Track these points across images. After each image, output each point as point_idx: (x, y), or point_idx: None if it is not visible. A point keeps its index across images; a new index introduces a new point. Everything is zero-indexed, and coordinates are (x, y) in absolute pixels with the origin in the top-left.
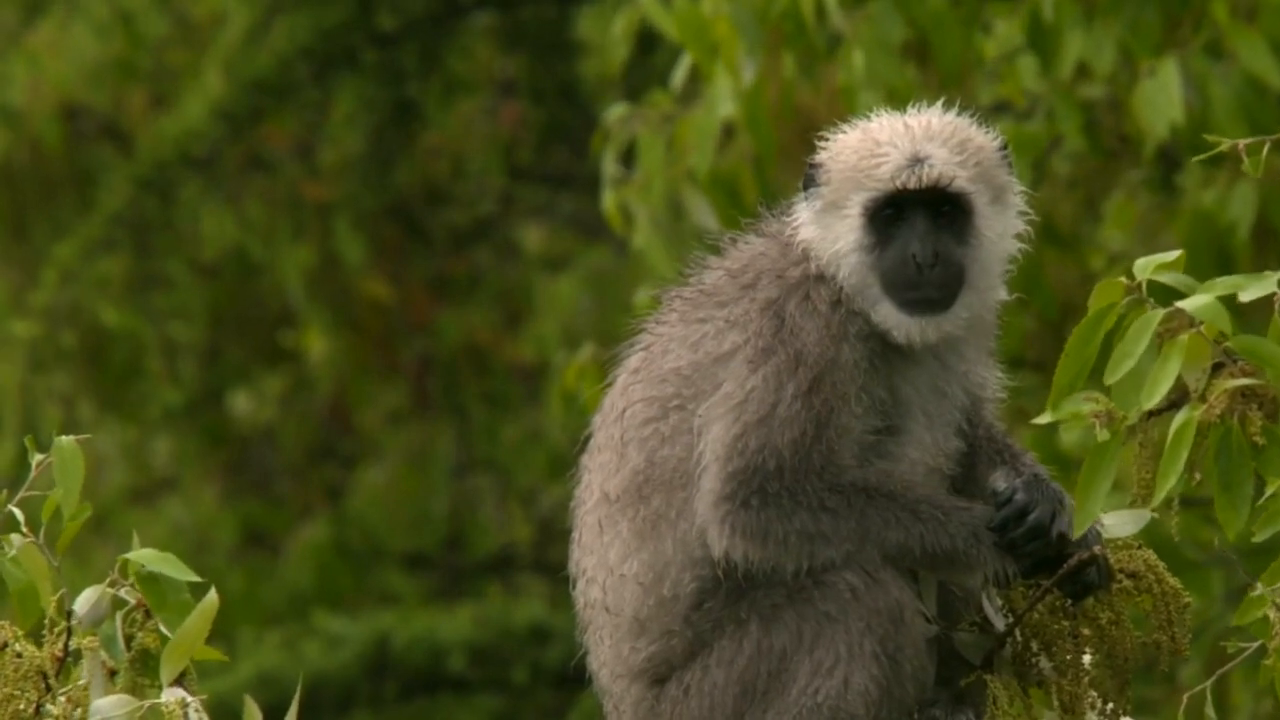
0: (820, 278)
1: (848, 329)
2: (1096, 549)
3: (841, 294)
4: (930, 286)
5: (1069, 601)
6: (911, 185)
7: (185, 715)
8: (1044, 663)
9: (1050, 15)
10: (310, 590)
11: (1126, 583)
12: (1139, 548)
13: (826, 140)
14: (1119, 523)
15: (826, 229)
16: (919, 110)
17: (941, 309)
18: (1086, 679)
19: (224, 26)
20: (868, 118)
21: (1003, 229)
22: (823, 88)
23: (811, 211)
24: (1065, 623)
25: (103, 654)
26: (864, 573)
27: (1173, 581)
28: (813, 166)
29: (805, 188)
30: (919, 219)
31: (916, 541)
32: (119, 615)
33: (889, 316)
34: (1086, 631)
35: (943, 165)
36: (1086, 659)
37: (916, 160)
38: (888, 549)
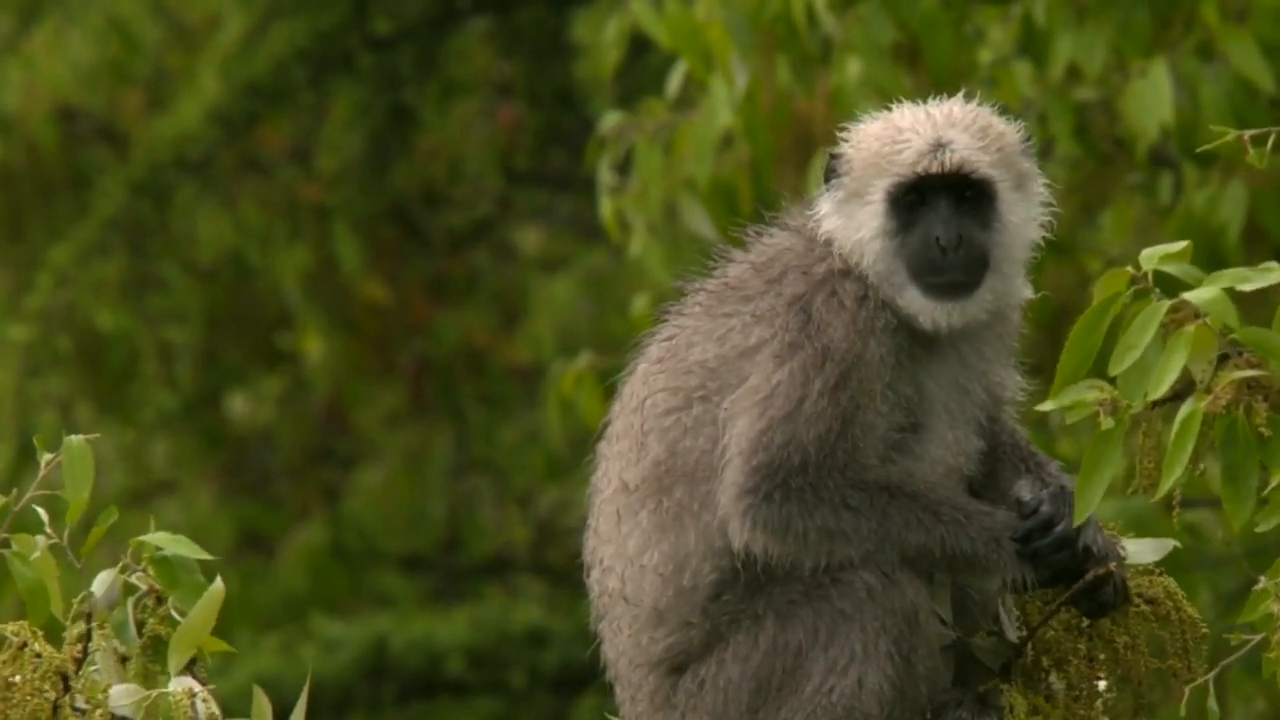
0: (846, 273)
1: (874, 324)
2: (1112, 565)
3: (868, 288)
4: (955, 270)
5: (1085, 622)
6: (934, 170)
7: (192, 705)
8: (1054, 680)
9: (1042, 18)
10: (305, 593)
11: (1144, 608)
12: (1160, 574)
13: (848, 131)
14: (1141, 550)
15: (849, 218)
16: (940, 101)
17: (966, 293)
18: (1100, 702)
19: (219, 30)
20: (874, 115)
21: (1025, 215)
22: (818, 93)
23: (833, 202)
24: (1081, 644)
25: (114, 640)
26: (880, 572)
27: (1191, 610)
28: (834, 157)
29: (827, 179)
30: (942, 203)
31: (937, 544)
32: (130, 601)
33: (914, 302)
34: (1102, 656)
35: (965, 150)
36: (1102, 685)
37: (939, 145)
38: (908, 550)
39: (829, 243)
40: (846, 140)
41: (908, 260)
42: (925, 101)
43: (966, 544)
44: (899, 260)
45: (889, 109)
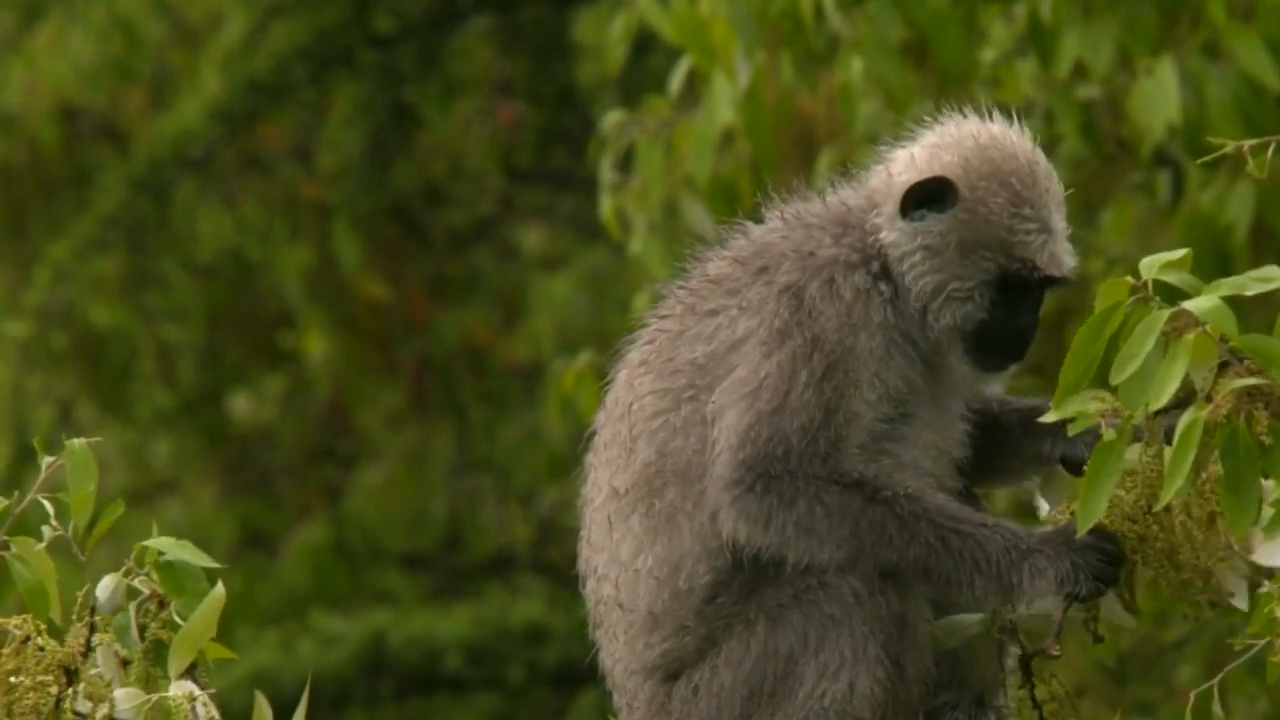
0: (854, 265)
1: (870, 318)
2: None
3: (876, 283)
4: (1016, 357)
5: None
6: (1053, 273)
7: (193, 709)
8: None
9: (1048, 15)
10: (308, 591)
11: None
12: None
13: (950, 152)
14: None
15: (936, 256)
16: (1017, 130)
17: (1005, 370)
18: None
19: (221, 27)
20: (978, 140)
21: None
22: (821, 92)
23: (924, 229)
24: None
25: (116, 644)
26: (865, 577)
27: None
28: (941, 182)
29: (929, 199)
30: (1036, 296)
31: (909, 565)
32: (133, 605)
33: (959, 359)
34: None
35: (1070, 250)
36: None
37: (1058, 242)
38: (883, 568)
39: (841, 233)
40: (952, 169)
41: (984, 330)
42: (928, 109)
43: (940, 569)
44: (975, 325)
45: (894, 109)
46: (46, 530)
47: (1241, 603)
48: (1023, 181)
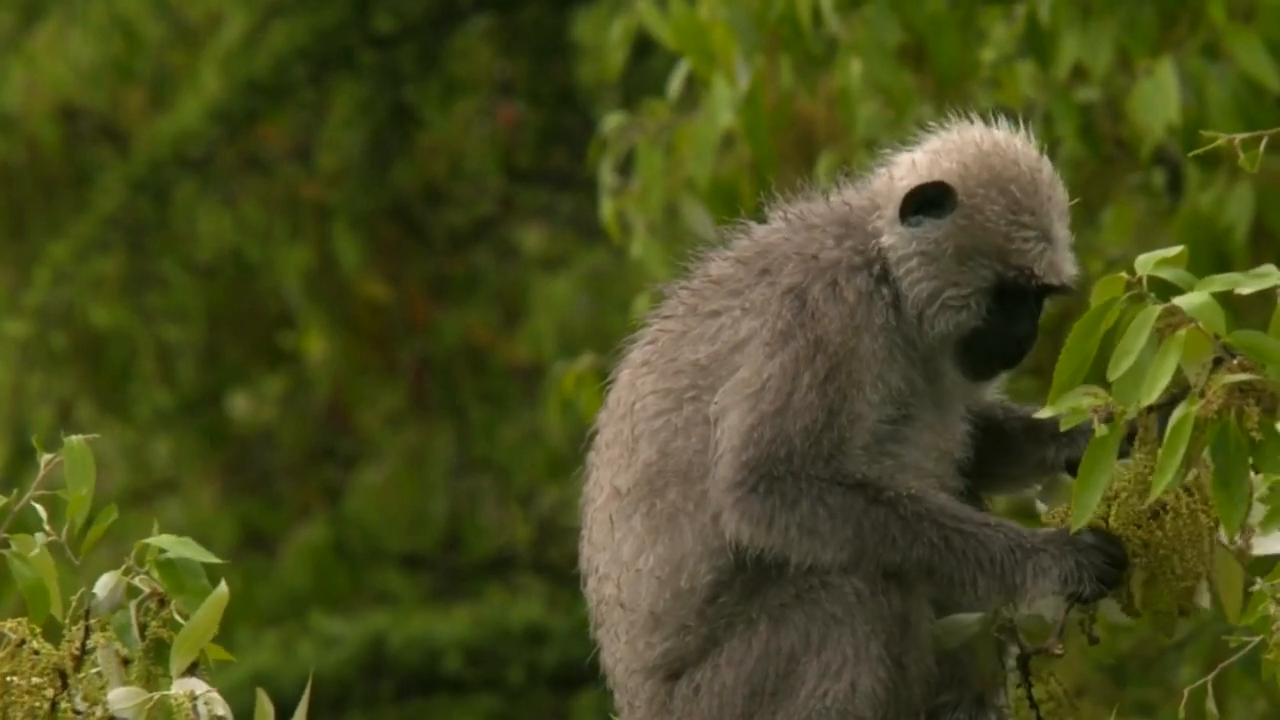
0: (856, 267)
1: (873, 320)
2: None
3: (877, 286)
4: (1013, 364)
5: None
6: (1052, 282)
7: (195, 708)
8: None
9: (1047, 17)
10: (307, 591)
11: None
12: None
13: (951, 157)
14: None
15: (933, 262)
16: (1021, 137)
17: (995, 378)
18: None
19: (221, 27)
20: (979, 146)
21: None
22: (820, 95)
23: (921, 235)
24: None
25: (116, 643)
26: (868, 577)
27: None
28: (940, 188)
29: (929, 205)
30: (1033, 303)
31: (912, 565)
32: (133, 604)
33: (953, 370)
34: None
35: (1071, 259)
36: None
37: (1058, 250)
38: (886, 568)
39: (843, 234)
40: (954, 172)
41: (979, 337)
42: (927, 115)
43: (944, 569)
44: (968, 332)
45: (892, 112)
46: (40, 536)
47: (1204, 603)
48: (1023, 189)
